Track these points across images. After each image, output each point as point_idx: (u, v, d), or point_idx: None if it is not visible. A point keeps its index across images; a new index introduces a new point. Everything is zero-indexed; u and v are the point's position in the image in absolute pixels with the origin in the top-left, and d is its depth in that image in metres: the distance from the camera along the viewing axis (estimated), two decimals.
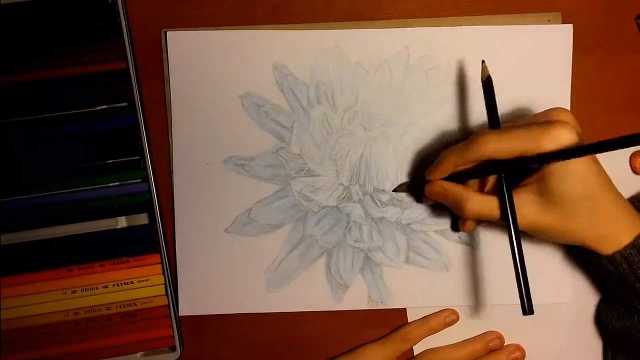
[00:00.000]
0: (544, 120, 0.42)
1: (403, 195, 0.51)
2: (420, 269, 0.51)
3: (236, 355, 0.52)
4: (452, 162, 0.44)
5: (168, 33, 0.50)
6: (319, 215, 0.51)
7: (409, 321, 0.52)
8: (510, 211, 0.42)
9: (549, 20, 0.50)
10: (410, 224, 0.51)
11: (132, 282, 0.51)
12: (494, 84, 0.44)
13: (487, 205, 0.43)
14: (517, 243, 0.42)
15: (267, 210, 0.51)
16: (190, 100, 0.51)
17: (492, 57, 0.50)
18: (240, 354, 0.52)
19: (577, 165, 0.40)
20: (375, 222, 0.51)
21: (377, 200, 0.51)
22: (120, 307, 0.51)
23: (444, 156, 0.45)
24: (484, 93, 0.45)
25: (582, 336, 0.52)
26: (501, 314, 0.52)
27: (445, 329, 0.52)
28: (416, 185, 0.50)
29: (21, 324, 0.50)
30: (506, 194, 0.42)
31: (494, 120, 0.44)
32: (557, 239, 0.44)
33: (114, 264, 0.50)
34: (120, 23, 0.49)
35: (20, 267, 0.50)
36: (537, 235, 0.44)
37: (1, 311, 0.50)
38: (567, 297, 0.52)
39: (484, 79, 0.45)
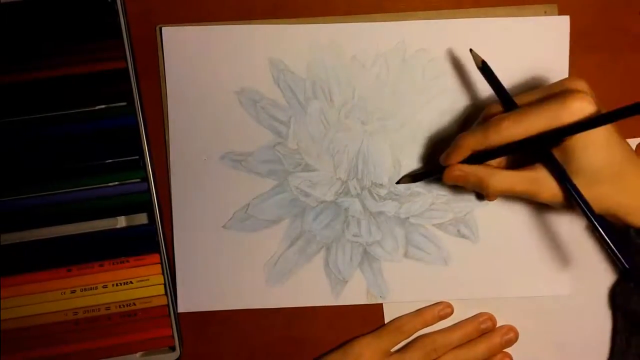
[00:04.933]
0: (559, 90, 0.41)
1: (401, 189, 0.51)
2: (419, 263, 0.51)
3: (236, 354, 0.52)
4: (470, 147, 0.44)
5: (163, 29, 0.50)
6: (317, 210, 0.51)
7: (384, 317, 0.52)
8: (570, 183, 0.41)
9: (545, 12, 0.50)
10: (408, 218, 0.51)
11: (131, 282, 0.50)
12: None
13: (512, 180, 0.43)
14: (592, 214, 0.41)
15: (265, 206, 0.51)
16: (186, 96, 0.51)
17: (489, 49, 0.49)
18: (240, 353, 0.52)
19: (599, 134, 0.40)
20: (374, 217, 0.51)
21: (375, 195, 0.51)
22: (119, 307, 0.50)
23: (461, 141, 0.44)
24: (486, 78, 0.45)
25: (580, 328, 0.52)
26: (500, 307, 0.52)
27: (442, 322, 0.52)
28: (424, 174, 0.50)
29: (21, 324, 0.50)
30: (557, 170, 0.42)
31: (508, 102, 0.44)
32: None
33: (113, 264, 0.50)
34: (119, 22, 0.50)
35: (19, 267, 0.50)
36: (564, 208, 0.44)
37: (1, 311, 0.49)
38: (565, 289, 0.51)
39: (479, 66, 0.45)
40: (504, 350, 0.52)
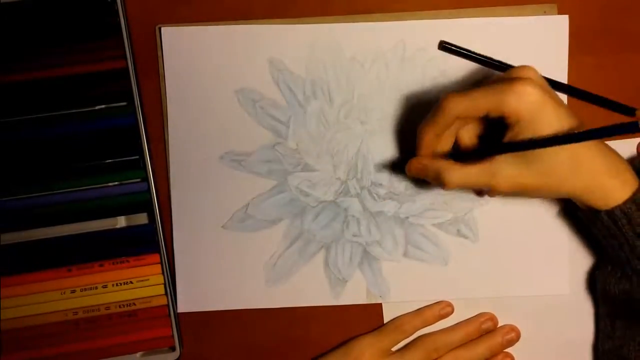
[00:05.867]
0: (508, 77, 0.42)
1: (401, 188, 0.51)
2: (418, 263, 0.51)
3: (236, 354, 0.52)
4: (429, 133, 0.44)
5: (162, 29, 0.50)
6: (316, 210, 0.51)
7: (384, 317, 0.52)
8: None
9: (544, 12, 0.50)
10: (408, 217, 0.51)
11: (131, 282, 0.50)
12: (489, 72, 0.44)
13: (467, 174, 0.43)
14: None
15: (265, 206, 0.51)
16: (186, 96, 0.51)
17: (489, 48, 0.49)
18: (239, 353, 0.52)
19: (548, 115, 0.40)
20: (373, 216, 0.51)
21: (374, 194, 0.51)
22: (119, 307, 0.50)
23: (419, 131, 0.45)
24: (454, 53, 0.44)
25: (580, 328, 0.52)
26: (500, 307, 0.52)
27: (443, 321, 0.52)
28: None
29: (21, 324, 0.50)
30: None
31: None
32: (545, 195, 0.44)
33: (113, 264, 0.50)
34: (119, 22, 0.50)
35: (19, 267, 0.50)
36: (525, 196, 0.44)
37: (1, 311, 0.50)
38: (564, 289, 0.51)
39: (440, 47, 0.44)
40: (505, 350, 0.52)
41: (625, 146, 0.50)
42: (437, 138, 0.44)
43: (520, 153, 0.41)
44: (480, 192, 0.50)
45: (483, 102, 0.41)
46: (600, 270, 0.49)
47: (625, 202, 0.42)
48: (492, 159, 0.42)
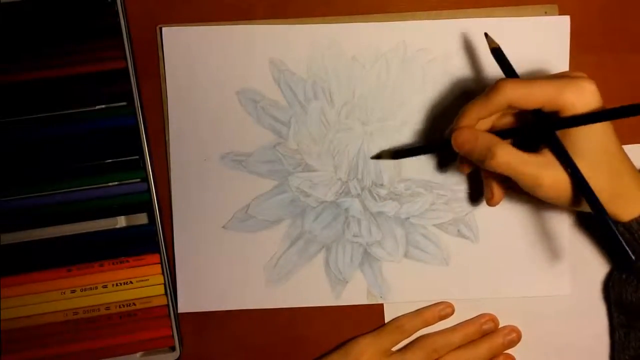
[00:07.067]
0: (566, 74, 0.42)
1: (402, 189, 0.51)
2: (419, 264, 0.51)
3: (236, 354, 0.52)
4: (474, 114, 0.43)
5: (163, 29, 0.50)
6: (317, 210, 0.51)
7: (385, 317, 0.52)
8: (576, 173, 0.41)
9: (545, 12, 0.50)
10: (409, 218, 0.51)
11: (131, 282, 0.50)
12: (490, 73, 0.44)
13: (519, 156, 0.41)
14: (595, 199, 0.41)
15: (265, 206, 0.51)
16: (187, 96, 0.51)
17: (489, 49, 0.50)
18: (240, 353, 0.52)
19: (598, 124, 0.40)
20: (374, 217, 0.51)
21: (375, 195, 0.51)
22: (119, 307, 0.50)
23: (465, 108, 0.43)
24: (497, 61, 0.45)
25: (580, 328, 0.52)
26: (500, 307, 0.52)
27: (443, 321, 0.52)
28: (408, 151, 0.49)
29: (21, 324, 0.50)
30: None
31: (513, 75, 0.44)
32: (574, 204, 0.43)
33: (113, 264, 0.50)
34: (119, 22, 0.50)
35: (19, 267, 0.50)
36: (559, 199, 0.43)
37: (1, 311, 0.49)
38: (565, 289, 0.51)
39: (494, 46, 0.45)
40: (506, 351, 0.52)
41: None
42: (477, 120, 0.43)
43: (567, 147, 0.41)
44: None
45: (541, 92, 0.40)
46: (614, 279, 0.49)
47: None
48: (540, 152, 0.42)
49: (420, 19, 0.50)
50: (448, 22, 0.50)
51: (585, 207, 0.42)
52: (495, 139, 0.42)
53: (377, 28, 0.50)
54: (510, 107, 0.41)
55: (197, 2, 0.51)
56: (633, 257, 0.40)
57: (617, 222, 0.43)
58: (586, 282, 0.51)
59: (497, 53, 0.45)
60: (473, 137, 0.43)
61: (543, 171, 0.41)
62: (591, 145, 0.41)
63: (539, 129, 0.42)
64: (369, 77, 0.50)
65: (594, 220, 0.42)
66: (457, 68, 0.50)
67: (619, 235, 0.41)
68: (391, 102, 0.50)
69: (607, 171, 0.42)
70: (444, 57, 0.50)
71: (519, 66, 0.49)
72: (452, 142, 0.44)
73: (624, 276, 0.48)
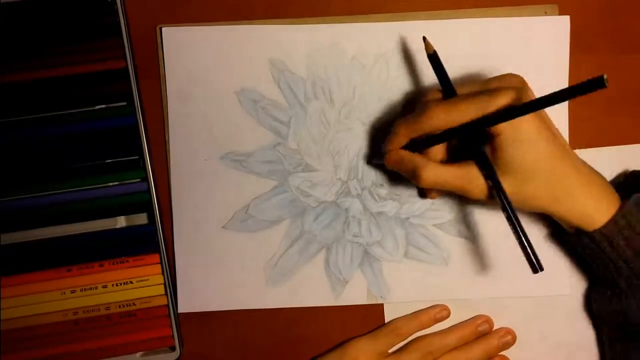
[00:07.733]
0: (495, 85, 0.42)
1: (402, 189, 0.51)
2: (419, 263, 0.51)
3: (236, 354, 0.52)
4: (403, 136, 0.44)
5: (163, 29, 0.50)
6: (317, 210, 0.51)
7: (385, 317, 0.52)
8: (493, 179, 0.42)
9: (545, 12, 0.50)
10: (409, 218, 0.51)
11: (131, 282, 0.50)
12: (490, 74, 0.44)
13: (444, 174, 0.43)
14: (509, 207, 0.42)
15: (265, 206, 0.51)
16: (187, 96, 0.51)
17: (489, 49, 0.50)
18: (240, 353, 0.52)
19: (528, 132, 0.40)
20: (374, 217, 0.51)
21: (375, 195, 0.51)
22: (119, 307, 0.50)
23: (397, 127, 0.44)
24: (433, 67, 0.45)
25: (580, 328, 0.52)
26: (500, 307, 0.52)
27: (441, 324, 0.52)
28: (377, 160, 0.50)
29: (21, 324, 0.50)
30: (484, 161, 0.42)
31: (449, 91, 0.44)
32: (519, 208, 0.43)
33: (113, 264, 0.50)
34: (119, 22, 0.50)
35: (19, 267, 0.50)
36: (493, 203, 0.44)
37: (1, 311, 0.49)
38: (565, 289, 0.51)
39: (430, 53, 0.45)
40: (501, 353, 0.51)
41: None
42: (407, 139, 0.44)
43: (496, 164, 0.42)
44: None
45: (466, 113, 0.41)
46: (593, 291, 0.49)
47: (605, 225, 0.42)
48: (470, 165, 0.43)
49: (420, 18, 0.50)
50: (448, 22, 0.50)
51: (537, 207, 0.43)
52: (418, 160, 0.44)
53: (376, 28, 0.50)
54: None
55: (197, 2, 0.51)
56: (539, 269, 0.41)
57: (582, 233, 0.43)
58: (586, 282, 0.51)
59: (434, 59, 0.45)
60: (399, 160, 0.45)
61: (467, 184, 0.43)
62: (521, 157, 0.41)
63: (468, 140, 0.43)
64: (369, 77, 0.50)
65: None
66: (457, 68, 0.50)
67: (527, 248, 0.41)
68: (391, 102, 0.51)
69: (544, 177, 0.41)
70: (443, 57, 0.50)
71: (519, 66, 0.50)
72: (386, 163, 0.46)
73: (599, 288, 0.48)
